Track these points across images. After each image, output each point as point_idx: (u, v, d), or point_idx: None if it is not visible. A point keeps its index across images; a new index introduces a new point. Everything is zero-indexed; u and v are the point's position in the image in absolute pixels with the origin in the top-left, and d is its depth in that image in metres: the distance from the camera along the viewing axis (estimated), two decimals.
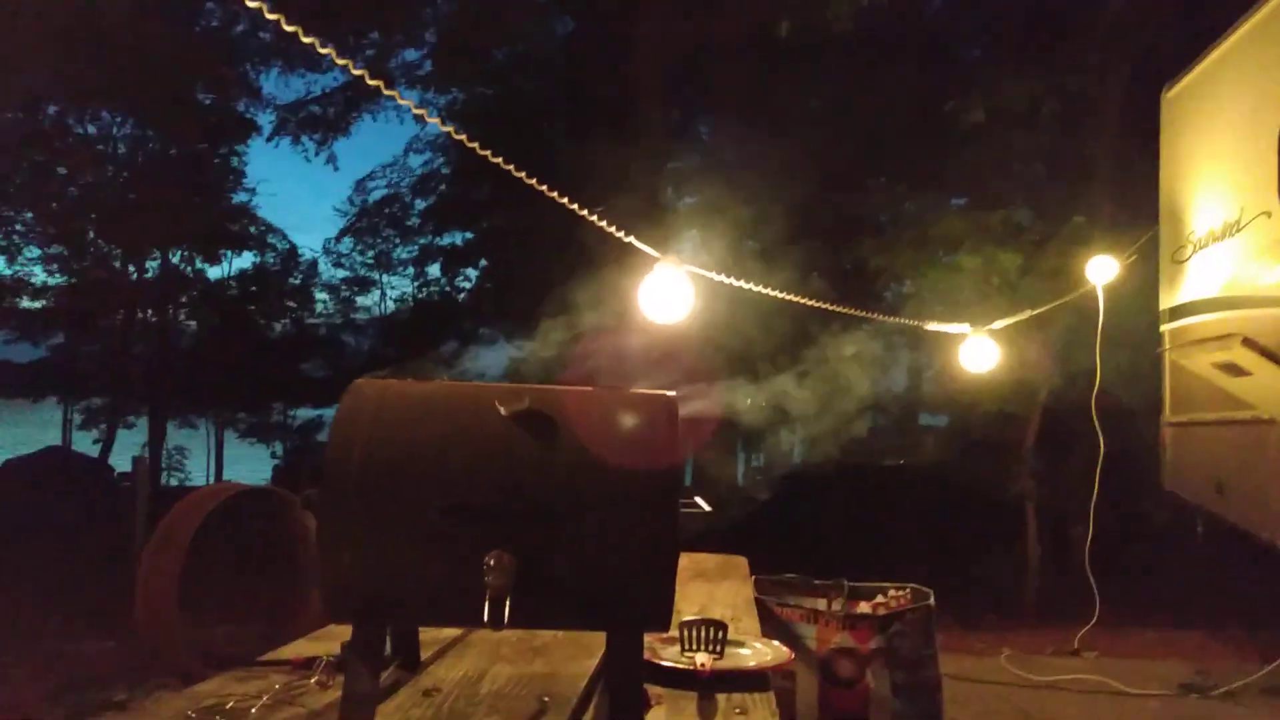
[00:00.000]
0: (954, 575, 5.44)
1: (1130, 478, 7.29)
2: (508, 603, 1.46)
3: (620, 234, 3.42)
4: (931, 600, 3.61)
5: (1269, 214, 4.99)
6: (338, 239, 14.71)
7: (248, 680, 1.69)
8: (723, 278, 3.94)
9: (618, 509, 1.52)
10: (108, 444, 14.32)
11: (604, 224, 3.53)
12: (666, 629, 1.60)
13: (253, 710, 1.55)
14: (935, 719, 3.46)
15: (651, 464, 1.58)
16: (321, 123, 13.30)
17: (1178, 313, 6.04)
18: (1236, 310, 5.21)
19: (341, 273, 14.83)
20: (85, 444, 14.71)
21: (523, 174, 3.26)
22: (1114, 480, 5.86)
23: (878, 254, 8.16)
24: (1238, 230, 5.31)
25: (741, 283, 4.11)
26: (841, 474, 9.25)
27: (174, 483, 14.35)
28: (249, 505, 3.94)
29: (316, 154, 13.40)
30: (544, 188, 3.31)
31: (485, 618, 1.46)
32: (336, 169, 14.35)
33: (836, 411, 6.66)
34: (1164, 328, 6.24)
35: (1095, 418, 5.55)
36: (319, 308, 15.39)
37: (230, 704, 1.56)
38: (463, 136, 3.31)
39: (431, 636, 1.98)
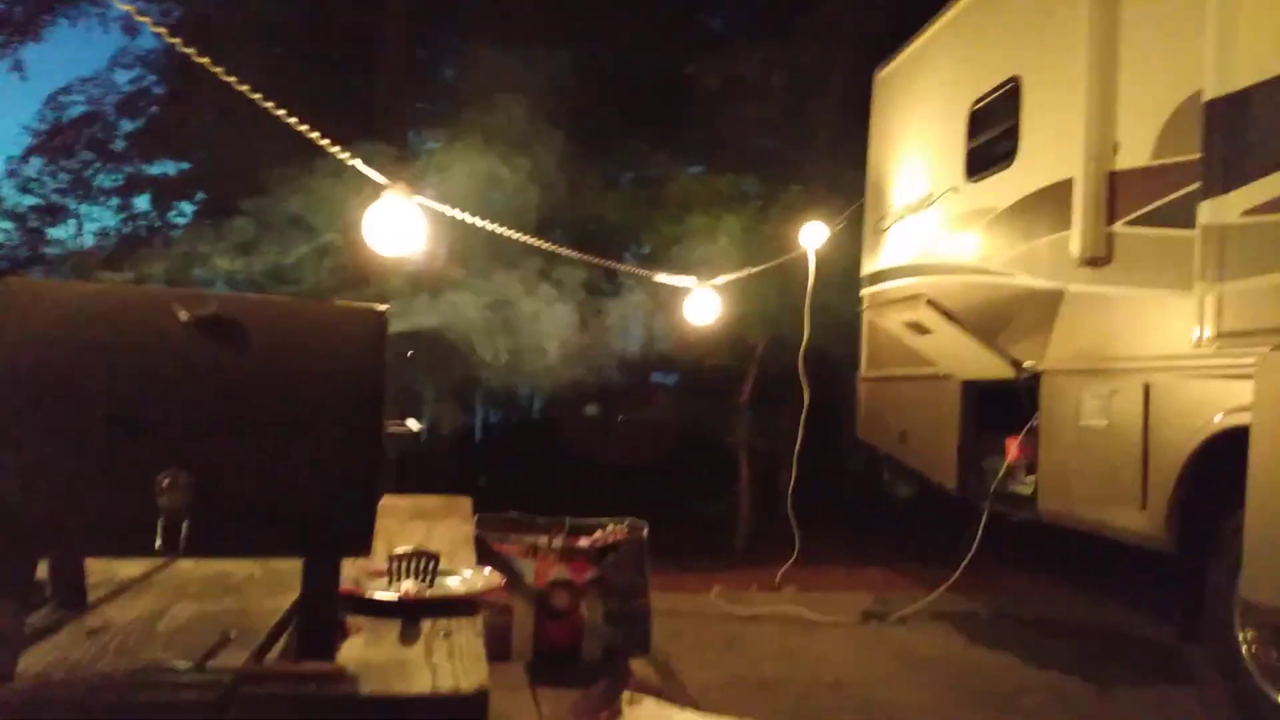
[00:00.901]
0: (674, 520, 5.72)
1: (833, 428, 8.00)
2: (184, 527, 1.33)
3: (346, 157, 3.24)
4: (644, 532, 3.77)
5: (956, 189, 5.57)
6: (24, 158, 12.77)
7: None
8: (456, 213, 3.84)
9: (313, 424, 1.42)
10: None
11: (336, 150, 3.33)
12: (366, 554, 1.53)
13: None
14: (644, 644, 3.63)
15: (354, 378, 1.49)
16: (7, 23, 11.49)
17: (876, 278, 6.65)
18: (925, 276, 5.80)
19: (30, 199, 12.90)
20: None
21: (247, 89, 3.02)
22: (819, 430, 6.36)
23: (617, 211, 8.33)
24: (930, 204, 5.90)
25: (477, 220, 4.03)
26: (576, 426, 9.51)
27: None
28: None
29: (0, 60, 11.58)
30: (277, 109, 3.08)
31: (157, 544, 1.33)
32: (24, 79, 12.40)
33: (573, 363, 6.76)
34: (863, 291, 6.85)
35: (803, 373, 5.98)
36: (1, 238, 13.33)
37: None
38: (177, 42, 2.99)
39: (106, 578, 1.78)
